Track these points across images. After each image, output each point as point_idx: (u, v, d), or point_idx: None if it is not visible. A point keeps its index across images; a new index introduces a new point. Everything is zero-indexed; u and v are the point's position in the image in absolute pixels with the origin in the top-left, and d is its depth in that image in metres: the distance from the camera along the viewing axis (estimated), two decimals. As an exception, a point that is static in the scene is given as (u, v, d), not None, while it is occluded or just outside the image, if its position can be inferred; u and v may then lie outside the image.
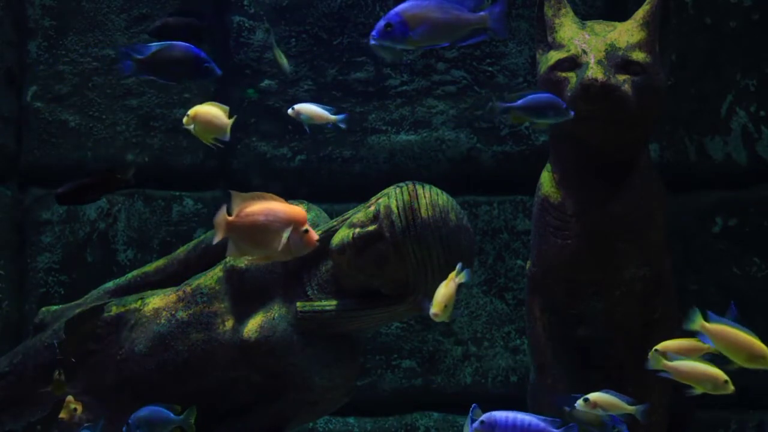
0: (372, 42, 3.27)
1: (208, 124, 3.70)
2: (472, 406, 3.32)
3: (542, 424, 3.28)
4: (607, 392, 3.58)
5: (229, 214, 3.18)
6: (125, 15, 5.12)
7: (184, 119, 3.71)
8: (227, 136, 3.71)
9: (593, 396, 3.56)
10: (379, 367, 5.08)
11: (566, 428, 3.31)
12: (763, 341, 5.03)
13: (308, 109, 4.17)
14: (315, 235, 3.16)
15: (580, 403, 3.55)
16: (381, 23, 3.23)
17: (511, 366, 5.09)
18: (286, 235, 3.10)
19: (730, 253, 5.03)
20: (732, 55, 5.03)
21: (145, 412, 3.68)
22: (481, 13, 3.27)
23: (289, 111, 4.12)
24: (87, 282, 4.75)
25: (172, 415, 3.67)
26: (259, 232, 3.10)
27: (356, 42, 5.13)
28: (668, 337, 3.89)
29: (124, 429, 3.69)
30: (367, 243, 3.78)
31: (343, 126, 4.15)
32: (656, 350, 3.63)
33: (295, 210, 3.14)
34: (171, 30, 4.01)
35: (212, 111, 3.71)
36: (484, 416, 3.28)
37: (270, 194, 3.16)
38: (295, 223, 3.10)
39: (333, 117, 4.13)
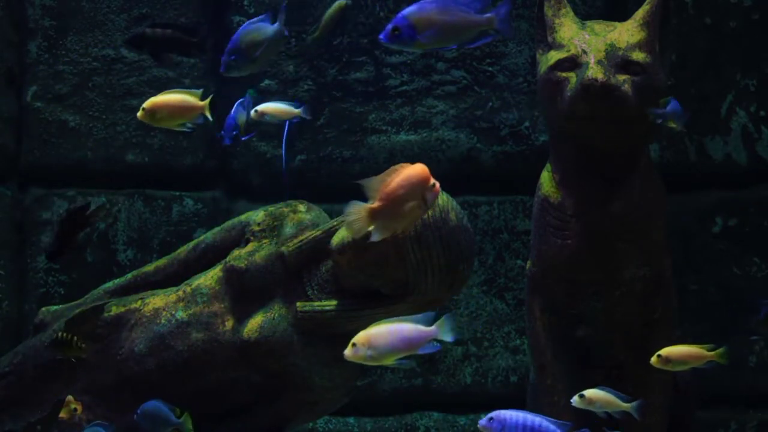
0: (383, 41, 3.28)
1: (170, 110, 3.64)
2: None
3: (552, 427, 3.25)
4: (602, 389, 3.59)
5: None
6: (125, 15, 5.12)
7: (139, 114, 3.67)
8: (204, 119, 3.67)
9: (589, 393, 3.57)
10: (379, 367, 5.08)
11: None
12: (762, 341, 5.04)
13: (272, 108, 4.16)
14: (438, 184, 3.20)
15: (575, 399, 3.56)
16: (389, 27, 3.24)
17: (511, 366, 5.09)
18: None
19: (730, 253, 5.03)
20: (732, 55, 5.03)
21: (150, 406, 3.69)
22: (488, 15, 3.27)
23: (252, 113, 4.12)
24: (87, 282, 4.75)
25: (172, 416, 3.68)
26: (402, 205, 3.12)
27: (356, 42, 5.13)
28: (668, 337, 3.90)
29: (134, 417, 3.70)
30: (367, 243, 3.78)
31: (307, 116, 4.15)
32: (659, 355, 3.64)
33: (421, 169, 3.15)
34: (148, 41, 3.98)
35: (169, 97, 3.67)
36: (493, 413, 3.27)
37: (399, 165, 3.18)
38: (427, 182, 3.12)
39: (297, 110, 4.13)
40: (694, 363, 3.64)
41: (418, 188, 3.14)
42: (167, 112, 3.65)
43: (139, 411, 3.70)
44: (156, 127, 3.77)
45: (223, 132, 3.99)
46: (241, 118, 3.98)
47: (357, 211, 3.11)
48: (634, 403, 3.57)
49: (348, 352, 3.29)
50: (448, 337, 3.29)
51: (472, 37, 3.32)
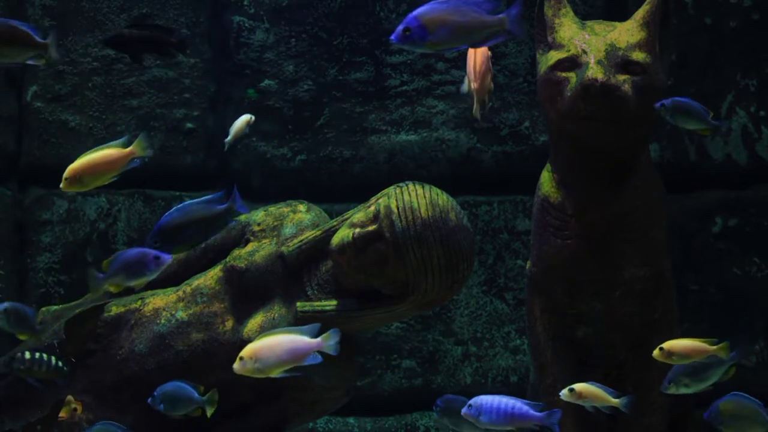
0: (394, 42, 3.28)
1: (95, 169, 3.53)
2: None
3: (525, 408, 3.43)
4: (592, 384, 3.61)
5: None
6: (125, 15, 5.12)
7: (62, 186, 3.53)
8: (140, 160, 3.56)
9: (579, 387, 3.58)
10: (379, 367, 5.08)
11: (549, 413, 3.44)
12: (762, 341, 5.05)
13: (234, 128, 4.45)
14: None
15: (565, 393, 3.58)
16: (400, 27, 3.22)
17: (511, 366, 5.09)
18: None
19: (730, 253, 5.03)
20: (732, 55, 5.03)
21: (170, 386, 3.68)
22: (500, 16, 3.25)
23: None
24: (87, 282, 4.75)
25: (195, 394, 3.68)
26: (486, 76, 3.71)
27: (356, 42, 5.13)
28: (668, 337, 3.89)
29: (149, 401, 3.69)
30: (367, 243, 3.78)
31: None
32: (662, 348, 3.64)
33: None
34: (125, 41, 3.98)
35: (90, 157, 3.53)
36: (472, 401, 3.46)
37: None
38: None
39: (245, 118, 4.39)
40: (697, 357, 3.64)
41: (488, 58, 3.63)
42: (94, 174, 3.53)
43: (156, 393, 3.68)
44: (83, 189, 3.60)
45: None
46: (174, 222, 3.66)
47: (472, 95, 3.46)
48: (623, 399, 3.58)
49: (236, 365, 3.40)
50: (331, 351, 3.40)
51: (483, 38, 3.30)
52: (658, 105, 3.68)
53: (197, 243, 3.75)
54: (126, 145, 3.56)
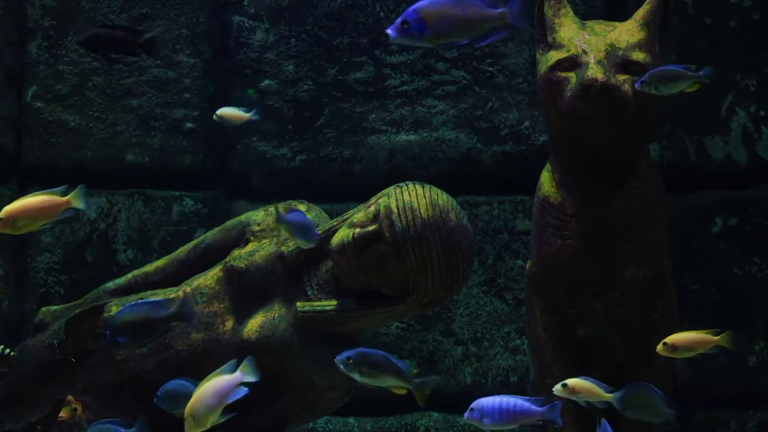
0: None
1: (30, 214, 3.49)
2: None
3: (526, 404, 3.45)
4: (586, 378, 3.61)
5: None
6: (125, 15, 5.12)
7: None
8: (74, 211, 3.51)
9: (572, 382, 3.58)
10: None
11: (550, 406, 3.46)
12: (762, 341, 5.05)
13: (228, 113, 4.36)
14: None
15: (558, 388, 3.58)
16: (398, 20, 3.17)
17: (511, 366, 5.09)
18: None
19: (730, 253, 5.03)
20: (732, 55, 5.03)
21: (173, 384, 3.68)
22: (501, 10, 3.20)
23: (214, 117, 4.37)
24: (87, 282, 4.75)
25: None
26: None
27: (356, 42, 5.14)
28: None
29: (154, 400, 3.68)
30: (367, 243, 3.78)
31: (256, 117, 4.37)
32: (665, 343, 3.64)
33: None
34: (101, 42, 4.00)
35: (27, 201, 3.50)
36: (473, 404, 3.46)
37: None
38: None
39: (247, 115, 4.33)
40: (700, 348, 3.63)
41: None
42: (27, 218, 3.50)
43: (160, 393, 3.67)
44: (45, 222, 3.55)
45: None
46: (127, 317, 3.63)
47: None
48: (616, 393, 3.58)
49: (186, 428, 3.35)
50: (252, 377, 3.36)
51: (483, 33, 3.24)
52: (637, 85, 3.66)
53: (145, 341, 3.74)
54: (63, 194, 3.51)
